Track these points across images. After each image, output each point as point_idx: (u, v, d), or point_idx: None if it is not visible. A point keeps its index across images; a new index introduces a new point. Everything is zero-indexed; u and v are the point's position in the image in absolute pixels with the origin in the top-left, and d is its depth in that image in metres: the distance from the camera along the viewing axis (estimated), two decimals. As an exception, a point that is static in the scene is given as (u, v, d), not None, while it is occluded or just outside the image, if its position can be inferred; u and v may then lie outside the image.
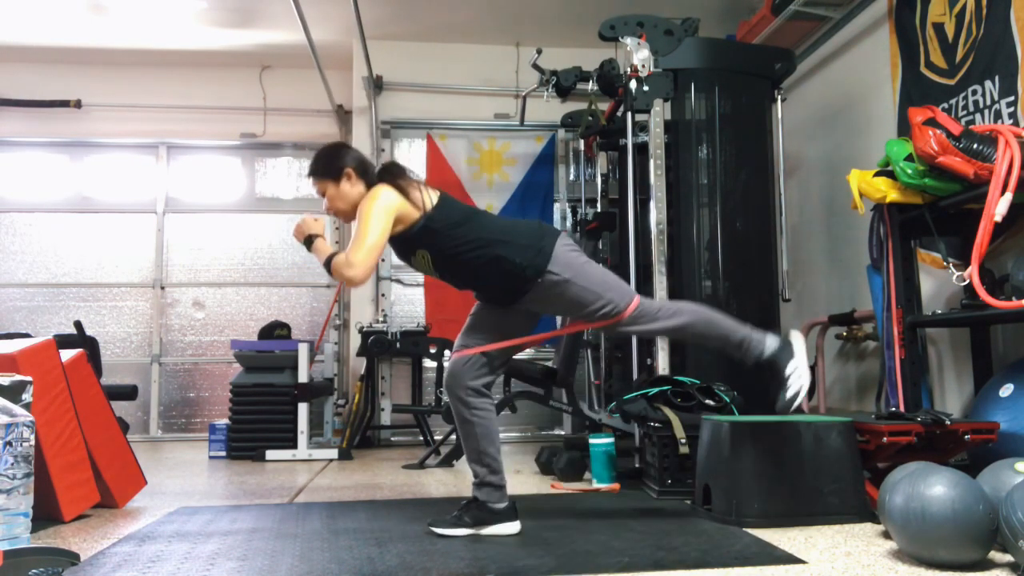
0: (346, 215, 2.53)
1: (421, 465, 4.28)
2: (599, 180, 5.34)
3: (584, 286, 2.39)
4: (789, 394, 2.38)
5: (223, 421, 4.94)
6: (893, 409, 2.87)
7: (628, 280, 3.84)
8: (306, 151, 6.45)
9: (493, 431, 2.46)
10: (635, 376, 3.70)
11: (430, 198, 2.42)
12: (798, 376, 2.38)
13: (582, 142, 5.89)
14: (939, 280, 3.67)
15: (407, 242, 2.44)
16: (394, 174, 2.46)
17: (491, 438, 2.45)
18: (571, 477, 3.57)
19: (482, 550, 2.20)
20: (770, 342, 2.44)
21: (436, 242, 2.41)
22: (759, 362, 2.45)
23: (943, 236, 3.09)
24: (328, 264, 2.36)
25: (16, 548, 1.90)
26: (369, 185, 2.47)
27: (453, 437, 4.56)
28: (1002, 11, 3.32)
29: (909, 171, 2.92)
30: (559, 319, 4.74)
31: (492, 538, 2.36)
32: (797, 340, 2.45)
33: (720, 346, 2.50)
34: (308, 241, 2.48)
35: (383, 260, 5.94)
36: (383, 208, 2.35)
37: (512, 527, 2.42)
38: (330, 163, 2.49)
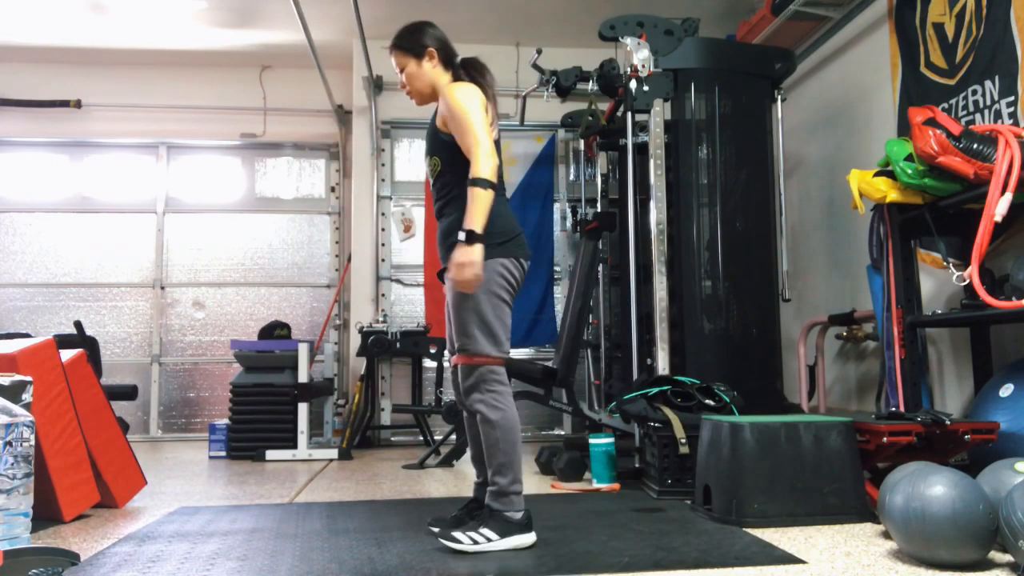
0: (420, 95, 2.48)
1: (421, 465, 4.28)
2: (599, 180, 5.34)
3: (475, 308, 2.26)
4: (453, 536, 2.17)
5: (223, 421, 4.94)
6: (893, 409, 2.87)
7: (628, 280, 3.84)
8: (306, 151, 6.46)
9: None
10: (635, 376, 3.70)
11: (495, 131, 2.36)
12: (474, 543, 2.16)
13: (582, 142, 5.89)
14: (939, 280, 3.67)
15: (442, 143, 2.39)
16: (487, 80, 2.41)
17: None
18: (571, 477, 3.57)
19: (482, 550, 2.20)
20: (518, 517, 2.22)
21: (454, 163, 2.36)
22: (485, 506, 2.27)
23: (943, 236, 3.09)
24: (482, 184, 2.19)
25: (16, 548, 1.90)
26: (452, 72, 2.44)
27: (453, 437, 4.56)
28: (1002, 11, 3.32)
29: (909, 171, 2.92)
30: (559, 324, 4.72)
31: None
32: (526, 540, 2.22)
33: (489, 460, 2.27)
34: (470, 237, 2.18)
35: (383, 260, 5.94)
36: (477, 98, 2.30)
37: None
38: (415, 38, 2.45)
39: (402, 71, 2.47)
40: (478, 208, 2.19)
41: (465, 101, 2.29)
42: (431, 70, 2.44)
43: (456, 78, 2.44)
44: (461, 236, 2.19)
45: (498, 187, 2.29)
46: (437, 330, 5.63)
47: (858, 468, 2.54)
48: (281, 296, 6.36)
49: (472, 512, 2.45)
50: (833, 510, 2.47)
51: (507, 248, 2.32)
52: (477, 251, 2.17)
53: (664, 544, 2.20)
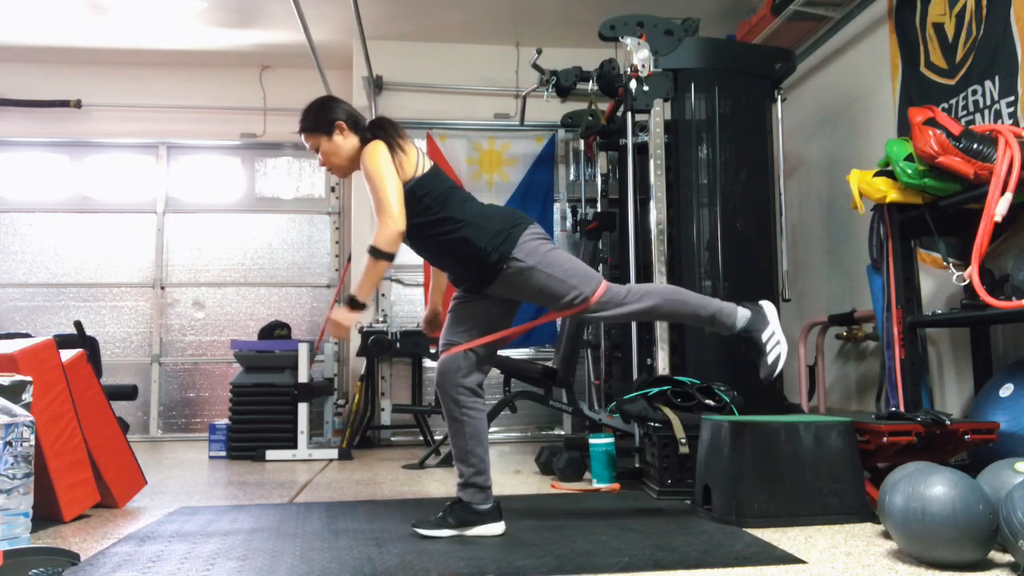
0: (340, 169, 2.52)
1: (421, 465, 4.28)
2: (599, 180, 5.34)
3: (549, 274, 2.37)
4: (771, 359, 2.38)
5: (223, 421, 4.94)
6: (893, 409, 2.87)
7: (628, 280, 3.84)
8: (306, 151, 6.45)
9: (482, 431, 2.45)
10: (635, 376, 3.70)
11: (423, 164, 2.43)
12: (776, 341, 2.39)
13: (582, 142, 5.89)
14: (939, 280, 3.67)
15: None
16: (388, 131, 2.45)
17: (479, 438, 2.44)
18: (571, 477, 3.57)
19: (482, 550, 2.20)
20: (742, 313, 2.43)
21: (414, 210, 2.40)
22: (735, 335, 2.45)
23: (943, 236, 3.09)
24: (376, 255, 2.30)
25: (16, 548, 1.90)
26: (362, 139, 2.48)
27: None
28: (1002, 11, 3.32)
29: (909, 171, 2.92)
30: (558, 324, 4.71)
31: (478, 539, 2.36)
32: (769, 307, 2.44)
33: (693, 323, 2.51)
34: (354, 305, 2.35)
35: (383, 260, 5.93)
36: (385, 157, 2.36)
37: (496, 528, 2.41)
38: (321, 117, 2.48)
39: (317, 151, 2.50)
40: (367, 276, 2.32)
41: (376, 165, 2.35)
42: (344, 142, 2.48)
43: (364, 141, 2.47)
44: (350, 295, 2.33)
45: (392, 255, 2.32)
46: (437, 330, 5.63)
47: (858, 468, 2.54)
48: (281, 296, 6.36)
49: (454, 512, 2.43)
50: (833, 510, 2.47)
51: (517, 228, 2.40)
52: (354, 317, 2.33)
53: (664, 544, 2.20)
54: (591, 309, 2.40)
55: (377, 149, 2.38)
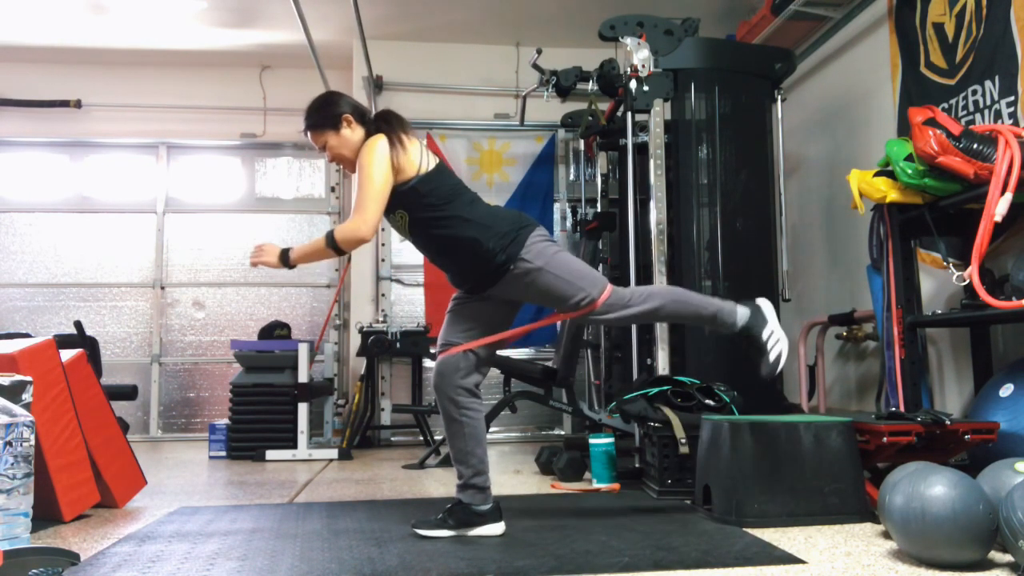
0: (351, 163, 2.49)
1: (421, 465, 4.28)
2: (599, 180, 5.34)
3: (556, 275, 2.37)
4: (772, 357, 2.41)
5: (223, 421, 4.93)
6: (893, 409, 2.87)
7: (628, 280, 3.84)
8: (306, 151, 6.46)
9: (480, 432, 2.45)
10: (635, 376, 3.70)
11: (427, 161, 2.41)
12: (776, 339, 2.42)
13: (582, 142, 5.89)
14: (939, 280, 3.67)
15: (392, 197, 2.40)
16: (393, 125, 2.44)
17: (478, 439, 2.43)
18: (571, 477, 3.57)
19: (482, 550, 2.20)
20: (741, 311, 2.45)
21: (418, 207, 2.39)
22: (736, 334, 2.47)
23: (943, 236, 3.09)
24: (331, 244, 2.34)
25: (16, 548, 1.90)
26: (368, 130, 2.46)
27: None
28: (1002, 11, 3.32)
29: (909, 171, 2.92)
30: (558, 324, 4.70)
31: (478, 539, 2.35)
32: (766, 306, 2.47)
33: (694, 323, 2.55)
34: (283, 257, 2.41)
35: (383, 260, 5.94)
36: (381, 157, 2.34)
37: (496, 528, 2.41)
38: (327, 112, 2.47)
39: (324, 148, 2.49)
40: (310, 254, 2.40)
41: (370, 163, 2.34)
42: (352, 135, 2.46)
43: (369, 133, 2.45)
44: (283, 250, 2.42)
45: (343, 253, 2.41)
46: (437, 330, 5.62)
47: (858, 468, 2.54)
48: (281, 296, 6.36)
49: (454, 513, 2.43)
50: (833, 510, 2.47)
51: (525, 230, 2.40)
52: (274, 264, 2.40)
53: (664, 544, 2.20)
54: (597, 312, 2.41)
55: (376, 145, 2.36)
